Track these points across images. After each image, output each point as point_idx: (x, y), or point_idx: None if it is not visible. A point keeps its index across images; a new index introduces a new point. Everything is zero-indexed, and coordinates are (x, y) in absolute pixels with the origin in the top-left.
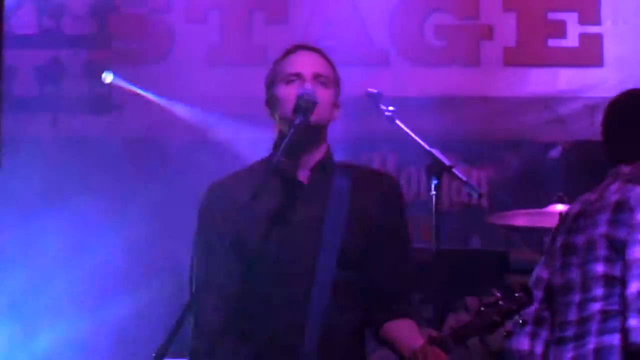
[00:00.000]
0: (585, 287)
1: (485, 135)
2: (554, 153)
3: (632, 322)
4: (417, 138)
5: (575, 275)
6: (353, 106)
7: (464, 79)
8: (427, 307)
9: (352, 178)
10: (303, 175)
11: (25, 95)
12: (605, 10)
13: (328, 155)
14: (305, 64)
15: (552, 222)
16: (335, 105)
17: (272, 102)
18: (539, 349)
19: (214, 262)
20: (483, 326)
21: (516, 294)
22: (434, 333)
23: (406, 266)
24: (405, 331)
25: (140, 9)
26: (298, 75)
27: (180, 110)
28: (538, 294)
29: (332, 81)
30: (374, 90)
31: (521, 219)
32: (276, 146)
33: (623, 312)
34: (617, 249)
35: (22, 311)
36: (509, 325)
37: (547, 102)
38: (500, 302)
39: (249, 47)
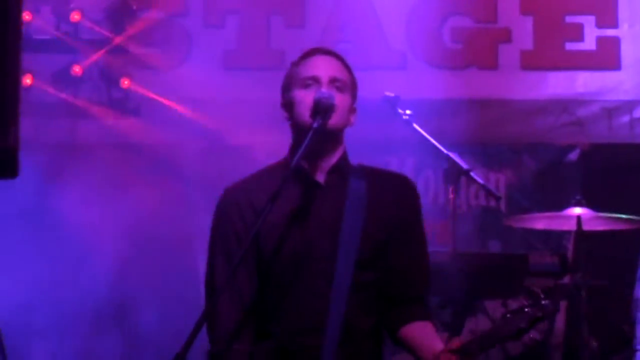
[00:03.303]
0: None
1: (503, 139)
2: (572, 156)
3: None
4: (434, 141)
5: None
6: (370, 109)
7: (482, 82)
8: (445, 311)
9: (368, 180)
10: (320, 178)
11: (43, 100)
12: (623, 14)
13: (344, 159)
14: (322, 67)
15: (570, 225)
16: (352, 110)
17: (288, 105)
18: None
19: (232, 265)
20: (509, 333)
21: (543, 302)
22: (456, 341)
23: (423, 267)
24: (424, 334)
25: (158, 13)
26: (315, 79)
27: (197, 114)
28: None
29: (348, 86)
30: (392, 94)
31: (539, 222)
32: (293, 149)
33: None
34: None
35: (30, 317)
36: (533, 332)
37: (564, 105)
38: (527, 309)
39: (266, 51)
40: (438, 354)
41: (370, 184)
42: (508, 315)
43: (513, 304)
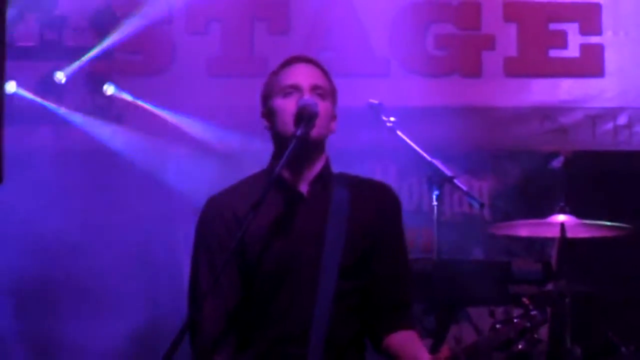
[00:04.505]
0: None
1: (486, 146)
2: (556, 163)
3: None
4: (418, 149)
5: None
6: (354, 117)
7: (465, 89)
8: (429, 318)
9: (351, 189)
10: (303, 188)
11: (27, 107)
12: (606, 21)
13: (327, 167)
14: (302, 75)
15: (553, 232)
16: (333, 117)
17: (269, 114)
18: None
19: (216, 274)
20: (498, 343)
21: (532, 312)
22: (445, 351)
23: (405, 276)
24: (409, 343)
25: (141, 20)
26: (296, 87)
27: (181, 121)
28: None
29: (329, 93)
30: (375, 101)
31: (523, 229)
32: (274, 158)
33: None
34: None
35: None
36: (522, 343)
37: (548, 112)
38: (515, 320)
39: (250, 58)
40: None
41: (353, 193)
42: (497, 326)
43: (500, 313)
